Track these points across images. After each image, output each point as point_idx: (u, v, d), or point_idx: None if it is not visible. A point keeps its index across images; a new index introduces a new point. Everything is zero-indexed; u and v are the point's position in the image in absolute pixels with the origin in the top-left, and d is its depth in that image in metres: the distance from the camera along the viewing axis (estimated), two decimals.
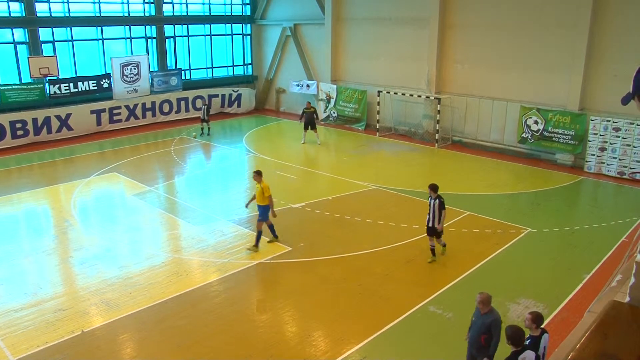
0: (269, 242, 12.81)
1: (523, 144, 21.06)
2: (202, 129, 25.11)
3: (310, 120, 22.89)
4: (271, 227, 12.77)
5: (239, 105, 30.59)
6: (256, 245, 12.49)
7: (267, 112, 31.53)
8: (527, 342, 6.58)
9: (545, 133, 20.17)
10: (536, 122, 20.36)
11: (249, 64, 32.42)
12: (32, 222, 15.03)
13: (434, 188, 11.73)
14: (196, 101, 28.30)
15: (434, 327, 9.50)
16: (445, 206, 11.68)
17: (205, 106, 25.20)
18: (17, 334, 9.33)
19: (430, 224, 11.75)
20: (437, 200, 11.58)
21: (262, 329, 9.56)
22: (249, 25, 31.76)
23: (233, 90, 30.33)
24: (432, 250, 12.02)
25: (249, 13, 31.57)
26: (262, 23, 31.47)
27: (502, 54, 21.50)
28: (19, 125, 22.64)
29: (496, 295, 10.47)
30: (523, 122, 20.73)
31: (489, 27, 21.69)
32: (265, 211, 12.41)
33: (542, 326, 6.88)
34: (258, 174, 12.43)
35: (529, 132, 20.66)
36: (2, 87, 22.67)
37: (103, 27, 25.81)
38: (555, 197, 16.74)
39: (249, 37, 31.99)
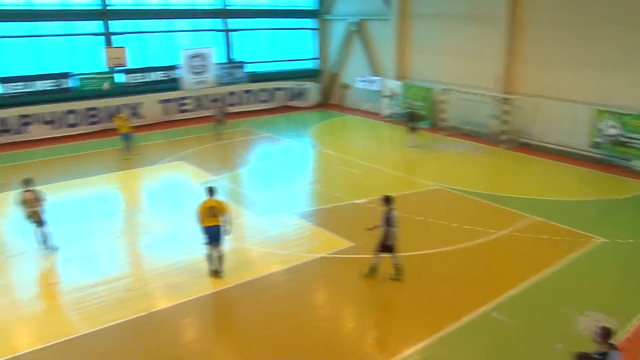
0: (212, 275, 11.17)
1: (595, 149, 20.08)
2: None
3: (414, 121, 22.30)
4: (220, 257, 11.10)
5: (303, 100, 30.83)
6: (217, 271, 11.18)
7: (332, 107, 31.54)
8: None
9: (620, 138, 19.16)
10: (611, 126, 19.37)
11: (315, 59, 32.58)
12: (103, 205, 15.75)
13: (385, 199, 10.67)
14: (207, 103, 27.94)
15: (497, 334, 9.22)
16: (395, 225, 10.55)
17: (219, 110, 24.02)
18: (90, 309, 9.85)
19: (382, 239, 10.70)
20: (384, 215, 10.61)
21: (322, 322, 9.61)
22: (315, 20, 31.90)
23: (298, 85, 30.57)
24: (371, 269, 10.96)
25: (315, 7, 31.72)
26: (327, 18, 31.53)
27: (574, 54, 20.51)
28: (92, 112, 23.84)
29: (563, 306, 10.10)
30: (596, 125, 19.76)
31: (562, 26, 20.76)
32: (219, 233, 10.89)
33: (611, 342, 6.54)
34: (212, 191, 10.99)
35: (602, 137, 19.69)
36: (79, 76, 23.87)
37: (171, 20, 26.65)
38: (631, 206, 15.86)
39: (314, 31, 32.14)
